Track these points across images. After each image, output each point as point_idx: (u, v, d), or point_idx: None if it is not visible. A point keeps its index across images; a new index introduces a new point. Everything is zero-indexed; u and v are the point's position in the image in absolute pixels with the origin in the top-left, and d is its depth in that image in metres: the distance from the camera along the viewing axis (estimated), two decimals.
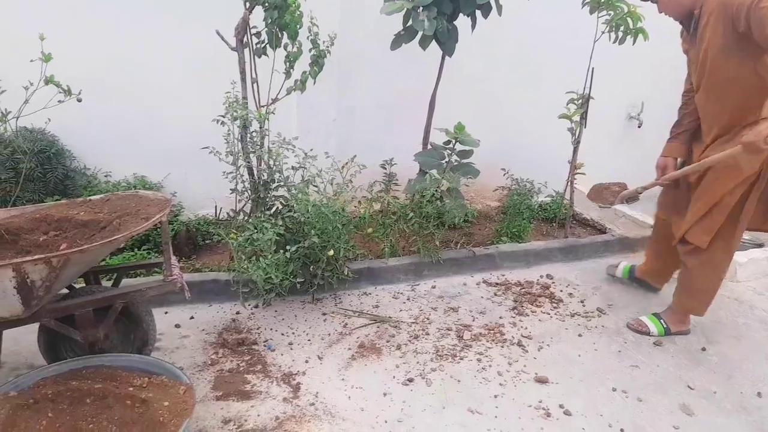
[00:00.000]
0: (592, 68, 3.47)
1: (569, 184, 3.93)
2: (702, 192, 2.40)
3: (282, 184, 2.65)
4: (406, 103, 3.76)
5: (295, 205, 2.42)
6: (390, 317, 2.70)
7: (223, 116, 2.66)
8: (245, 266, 2.25)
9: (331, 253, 2.51)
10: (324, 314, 2.71)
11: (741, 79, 2.17)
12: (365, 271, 2.99)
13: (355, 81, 3.92)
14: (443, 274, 3.16)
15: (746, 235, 3.68)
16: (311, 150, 3.75)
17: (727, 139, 2.33)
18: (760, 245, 3.56)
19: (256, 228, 2.32)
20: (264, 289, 2.39)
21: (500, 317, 2.75)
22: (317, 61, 3.06)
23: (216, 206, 3.49)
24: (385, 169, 3.94)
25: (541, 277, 3.25)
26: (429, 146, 3.34)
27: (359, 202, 3.11)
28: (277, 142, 2.70)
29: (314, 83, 3.10)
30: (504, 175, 3.83)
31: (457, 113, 4.03)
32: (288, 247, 2.32)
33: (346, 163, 2.80)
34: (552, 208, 4.26)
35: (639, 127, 4.73)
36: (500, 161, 4.32)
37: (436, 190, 3.15)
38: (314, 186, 2.66)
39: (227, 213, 3.19)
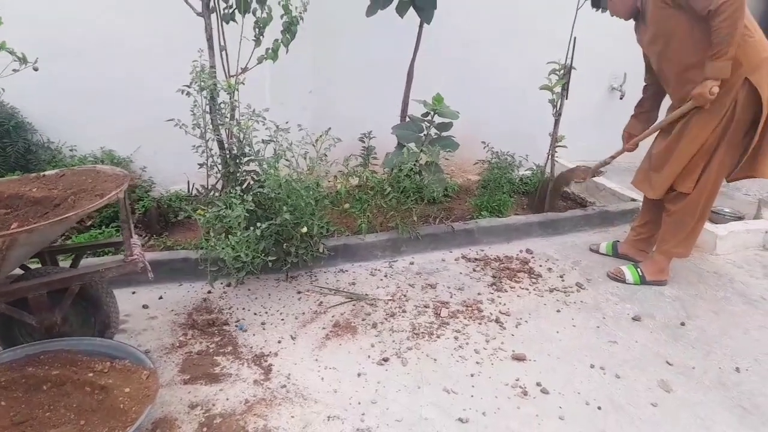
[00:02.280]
0: (574, 38, 3.38)
1: (550, 157, 3.87)
2: (683, 143, 2.52)
3: (253, 158, 2.53)
4: (386, 73, 3.63)
5: (265, 180, 2.31)
6: (366, 295, 2.63)
7: (188, 86, 2.52)
8: (213, 244, 2.15)
9: (305, 230, 2.42)
10: (299, 292, 2.63)
11: (692, 33, 2.34)
12: (342, 248, 2.91)
13: (333, 50, 3.78)
14: (421, 250, 3.10)
15: (727, 208, 3.68)
16: (286, 123, 3.64)
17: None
18: (741, 218, 3.55)
19: (225, 204, 2.21)
20: (234, 268, 2.29)
21: (478, 293, 2.70)
22: (289, 29, 2.92)
23: (189, 181, 3.36)
24: (364, 142, 3.84)
25: (521, 252, 3.20)
26: (407, 119, 3.23)
27: (335, 177, 3.02)
28: (246, 114, 2.57)
29: (287, 52, 2.95)
30: (484, 148, 3.75)
31: (437, 84, 3.92)
32: (259, 224, 2.22)
33: (320, 137, 2.68)
34: (533, 182, 4.21)
35: (621, 98, 4.66)
36: (481, 134, 4.24)
37: (415, 164, 3.06)
38: (286, 160, 2.55)
39: (197, 189, 3.07)
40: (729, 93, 2.37)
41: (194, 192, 3.18)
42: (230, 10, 2.75)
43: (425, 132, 3.12)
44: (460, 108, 3.79)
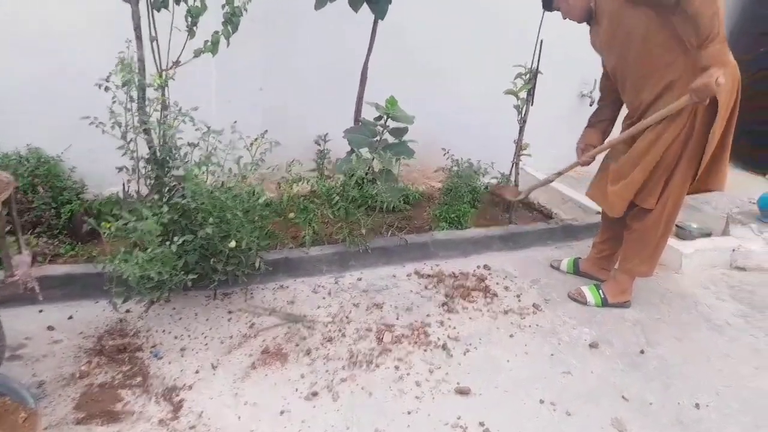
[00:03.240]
0: (541, 40, 3.19)
1: (514, 165, 3.69)
2: (641, 155, 2.35)
3: (178, 163, 2.28)
4: (345, 72, 3.39)
5: (187, 188, 2.06)
6: (304, 316, 2.40)
7: (106, 80, 2.25)
8: (117, 262, 1.90)
9: (233, 244, 2.18)
10: (230, 312, 2.39)
11: (652, 34, 2.15)
12: (283, 261, 2.67)
13: (286, 46, 3.53)
14: (371, 264, 2.88)
15: (694, 223, 3.54)
16: (234, 122, 3.38)
17: (655, 108, 2.31)
18: (708, 234, 3.42)
19: (136, 215, 1.96)
20: (146, 288, 2.04)
21: (428, 315, 2.50)
22: (231, 20, 2.67)
23: (124, 184, 3.08)
24: (319, 145, 3.61)
25: (478, 267, 3.01)
26: (360, 122, 3.01)
27: (278, 184, 2.78)
28: (173, 112, 2.32)
29: (228, 45, 2.70)
30: (444, 155, 3.55)
31: (398, 86, 3.69)
32: (176, 239, 1.97)
33: (256, 140, 2.44)
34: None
35: (591, 105, 4.50)
36: (446, 139, 4.04)
37: (367, 172, 2.85)
38: (218, 166, 2.30)
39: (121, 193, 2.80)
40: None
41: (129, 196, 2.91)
42: None
43: (379, 137, 2.90)
44: (423, 111, 3.59)
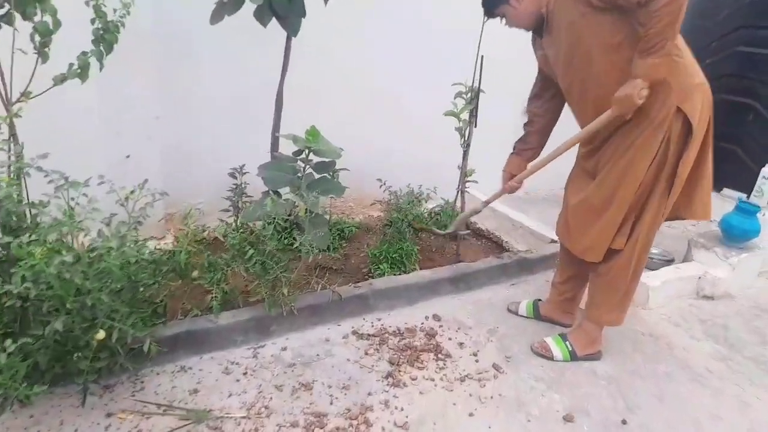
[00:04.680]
0: (482, 56, 2.83)
1: (459, 193, 3.32)
2: (612, 192, 2.01)
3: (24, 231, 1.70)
4: (260, 97, 2.89)
5: (16, 272, 1.49)
6: (210, 411, 1.87)
7: None
8: None
9: (101, 335, 1.62)
10: (109, 415, 1.82)
11: (623, 47, 1.81)
12: (183, 336, 2.13)
13: (188, 69, 2.99)
14: (299, 327, 2.38)
15: (654, 248, 3.26)
16: (127, 157, 2.81)
17: (623, 132, 1.97)
18: (670, 261, 3.16)
19: None
20: None
21: (369, 393, 2.03)
22: (104, 38, 2.14)
23: None
24: (236, 178, 3.08)
25: (427, 318, 2.57)
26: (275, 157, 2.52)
27: (175, 238, 2.24)
28: (12, 161, 1.75)
29: (101, 69, 2.16)
30: (381, 187, 3.12)
31: (325, 110, 3.25)
32: (7, 342, 1.40)
33: (131, 193, 1.90)
34: (442, 219, 3.64)
35: None
36: (382, 165, 3.62)
37: (289, 216, 2.36)
38: (75, 228, 1.74)
39: None
40: (661, 126, 1.87)
41: None
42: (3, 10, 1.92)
43: (301, 173, 2.42)
44: (357, 136, 3.17)
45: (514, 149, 2.44)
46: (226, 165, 2.98)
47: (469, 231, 3.41)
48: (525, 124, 2.40)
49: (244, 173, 3.01)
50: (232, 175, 3.04)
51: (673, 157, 1.91)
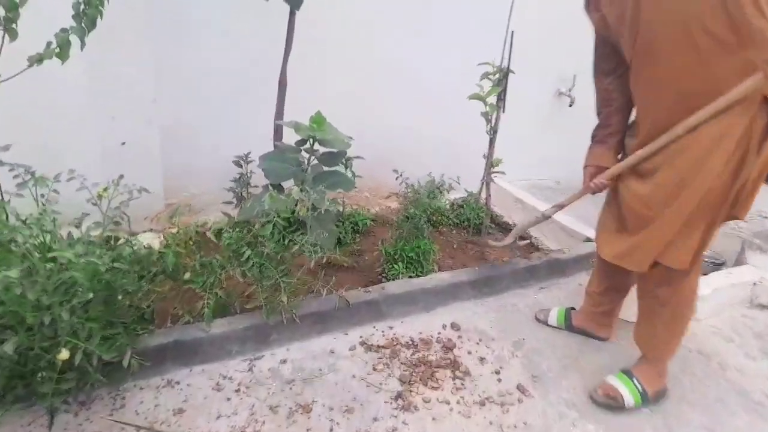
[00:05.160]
0: (512, 32, 2.51)
1: (484, 185, 3.02)
2: (676, 189, 1.60)
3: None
4: (268, 74, 2.62)
5: None
6: None
7: None
8: None
9: (64, 355, 1.41)
10: None
11: (707, 18, 1.41)
12: (171, 346, 1.92)
13: (188, 46, 2.74)
14: (302, 336, 2.15)
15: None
16: (123, 144, 2.60)
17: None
18: (721, 264, 2.82)
19: None
20: None
21: (375, 418, 1.79)
22: (85, 13, 1.90)
23: None
24: (241, 167, 2.85)
25: (445, 327, 2.31)
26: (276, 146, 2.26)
27: (161, 236, 2.02)
28: None
29: (83, 47, 1.93)
30: (397, 179, 2.84)
31: (336, 92, 2.99)
32: None
33: (105, 190, 1.67)
34: (465, 212, 3.37)
35: (570, 105, 3.88)
36: (399, 152, 3.35)
37: (292, 213, 2.11)
38: (41, 231, 1.53)
39: None
40: (745, 113, 1.48)
41: None
42: None
43: (306, 165, 2.16)
44: (373, 121, 2.91)
45: (594, 137, 1.97)
46: (230, 152, 2.75)
47: (528, 241, 3.02)
48: (601, 106, 1.93)
49: (250, 161, 2.78)
50: (237, 164, 2.81)
51: (753, 155, 1.54)
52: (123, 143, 2.64)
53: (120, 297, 1.69)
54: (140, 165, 2.73)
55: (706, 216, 1.60)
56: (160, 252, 1.99)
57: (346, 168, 2.91)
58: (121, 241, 1.73)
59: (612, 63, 1.83)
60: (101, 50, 2.43)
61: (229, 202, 2.67)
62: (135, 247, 1.86)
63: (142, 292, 1.87)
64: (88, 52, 2.36)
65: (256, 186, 2.73)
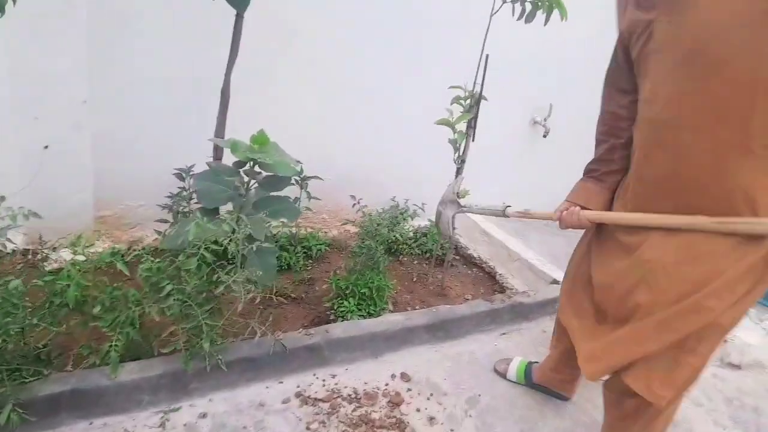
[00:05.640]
0: (487, 55, 2.32)
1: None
2: (690, 289, 1.26)
3: None
4: (215, 80, 2.37)
5: None
6: None
7: None
8: None
9: None
10: None
11: None
12: (68, 395, 1.63)
13: (126, 40, 2.45)
14: (228, 383, 1.88)
15: None
16: (46, 147, 2.33)
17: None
18: None
19: None
20: None
21: None
22: None
23: None
24: (183, 180, 2.58)
25: (393, 378, 2.07)
26: (208, 167, 1.99)
27: (70, 261, 1.72)
28: None
29: None
30: (354, 205, 2.60)
31: (297, 106, 2.76)
32: None
33: None
34: (428, 242, 3.15)
35: (545, 136, 3.71)
36: (365, 175, 3.13)
37: (228, 242, 1.84)
38: None
39: None
40: None
41: None
42: None
43: (244, 190, 1.90)
44: (336, 139, 2.69)
45: (588, 172, 1.60)
46: (174, 163, 2.47)
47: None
48: (604, 134, 1.52)
49: (192, 174, 2.50)
50: (179, 176, 2.54)
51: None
52: (46, 147, 2.34)
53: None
54: (66, 172, 2.44)
55: (709, 344, 1.30)
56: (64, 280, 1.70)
57: (302, 189, 2.67)
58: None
59: (633, 80, 1.42)
60: (29, 36, 2.14)
61: (164, 221, 2.39)
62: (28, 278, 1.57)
63: (35, 330, 1.58)
64: (11, 36, 2.08)
65: (198, 203, 2.46)
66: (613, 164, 1.52)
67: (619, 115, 1.47)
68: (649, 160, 1.34)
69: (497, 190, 3.64)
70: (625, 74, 1.44)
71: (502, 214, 1.84)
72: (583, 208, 1.54)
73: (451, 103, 2.49)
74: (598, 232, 1.59)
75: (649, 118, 1.32)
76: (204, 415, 1.75)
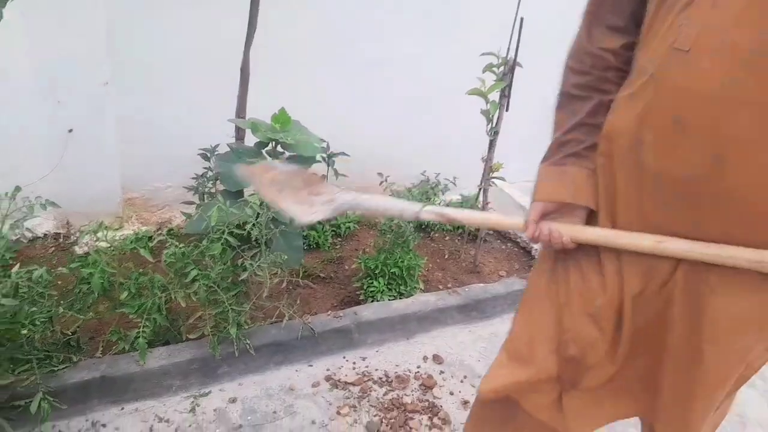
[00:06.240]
0: (521, 18, 2.16)
1: (481, 191, 2.69)
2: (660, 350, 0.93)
3: None
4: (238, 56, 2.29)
5: None
6: None
7: None
8: None
9: None
10: None
11: None
12: (98, 382, 1.63)
13: (148, 23, 2.38)
14: (257, 367, 1.85)
15: None
16: (70, 131, 2.31)
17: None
18: None
19: None
20: None
21: None
22: None
23: None
24: (207, 160, 2.53)
25: (425, 360, 2.02)
26: (230, 147, 1.93)
27: (91, 246, 1.71)
28: None
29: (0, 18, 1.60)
30: (381, 183, 2.51)
31: (319, 83, 2.67)
32: None
33: None
34: None
35: None
36: (394, 150, 3.02)
37: (253, 225, 1.79)
38: None
39: None
40: None
41: None
42: None
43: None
44: (363, 114, 2.59)
45: (562, 146, 1.00)
46: (197, 142, 2.42)
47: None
48: (580, 88, 0.97)
49: (216, 155, 2.45)
50: (204, 156, 2.49)
51: None
52: (70, 130, 2.32)
53: (25, 330, 1.39)
54: (92, 156, 2.42)
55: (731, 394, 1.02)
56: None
57: (329, 166, 2.60)
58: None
59: (629, 12, 0.94)
60: (46, 18, 2.10)
61: (190, 202, 2.36)
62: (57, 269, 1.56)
63: (65, 317, 1.58)
64: (28, 17, 2.04)
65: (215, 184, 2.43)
66: (598, 132, 0.95)
67: (607, 62, 0.96)
68: (665, 151, 0.82)
69: (534, 159, 3.50)
70: (620, 4, 0.95)
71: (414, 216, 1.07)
72: (560, 206, 0.98)
73: (483, 71, 2.35)
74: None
75: (677, 82, 0.79)
76: (234, 400, 1.74)
